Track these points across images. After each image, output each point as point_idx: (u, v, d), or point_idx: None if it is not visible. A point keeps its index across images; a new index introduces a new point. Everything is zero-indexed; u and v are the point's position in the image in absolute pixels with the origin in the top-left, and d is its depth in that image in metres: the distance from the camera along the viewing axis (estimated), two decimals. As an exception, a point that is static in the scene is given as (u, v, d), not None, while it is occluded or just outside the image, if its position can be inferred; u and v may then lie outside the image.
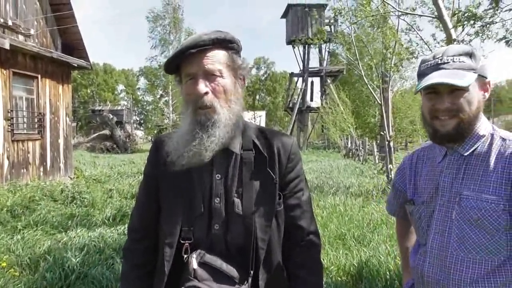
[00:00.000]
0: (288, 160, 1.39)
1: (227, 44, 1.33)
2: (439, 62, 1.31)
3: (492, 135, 1.34)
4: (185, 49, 1.27)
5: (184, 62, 1.30)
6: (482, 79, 1.32)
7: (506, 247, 1.26)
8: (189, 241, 1.32)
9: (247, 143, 1.37)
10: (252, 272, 1.31)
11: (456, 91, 1.27)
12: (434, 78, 1.27)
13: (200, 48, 1.27)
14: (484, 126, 1.35)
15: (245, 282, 1.30)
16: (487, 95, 1.35)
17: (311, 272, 1.42)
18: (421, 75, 1.34)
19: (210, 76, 1.28)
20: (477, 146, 1.33)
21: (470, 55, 1.30)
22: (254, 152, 1.36)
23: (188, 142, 1.29)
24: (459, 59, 1.29)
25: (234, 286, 1.28)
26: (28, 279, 3.98)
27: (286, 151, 1.39)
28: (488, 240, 1.26)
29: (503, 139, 1.31)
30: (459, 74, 1.26)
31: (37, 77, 10.94)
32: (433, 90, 1.31)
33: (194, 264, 1.26)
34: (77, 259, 4.25)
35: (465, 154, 1.34)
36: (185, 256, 1.30)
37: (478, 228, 1.27)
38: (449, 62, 1.29)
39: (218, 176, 1.34)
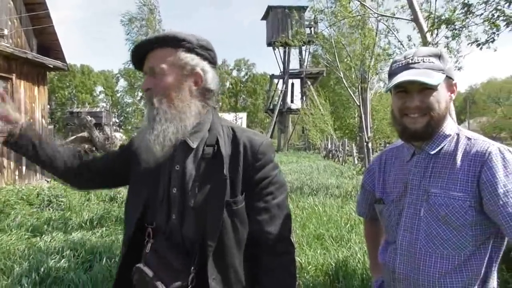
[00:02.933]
0: (254, 160, 1.37)
1: (175, 42, 1.36)
2: (410, 62, 1.35)
3: (457, 134, 1.38)
4: (135, 49, 1.40)
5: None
6: (449, 80, 1.36)
7: (472, 242, 1.30)
8: (151, 226, 1.37)
9: (211, 139, 1.38)
10: (192, 268, 1.29)
11: (426, 90, 1.31)
12: (404, 76, 1.31)
13: (144, 47, 1.38)
14: (450, 126, 1.39)
15: (186, 277, 1.28)
16: (453, 96, 1.40)
17: (277, 282, 1.37)
18: (392, 74, 1.38)
19: (154, 73, 1.36)
20: (444, 145, 1.37)
21: (439, 56, 1.35)
22: (216, 148, 1.37)
23: (141, 138, 1.40)
24: (428, 59, 1.33)
25: (176, 277, 1.28)
26: (2, 284, 3.90)
27: (253, 150, 1.37)
28: (454, 235, 1.30)
29: (469, 138, 1.36)
30: (429, 73, 1.30)
31: (11, 78, 10.70)
32: (403, 89, 1.35)
33: (148, 248, 1.34)
34: (53, 263, 4.18)
35: (432, 152, 1.38)
36: (146, 239, 1.37)
37: (445, 224, 1.31)
38: (419, 62, 1.33)
39: (177, 167, 1.38)
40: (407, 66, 1.35)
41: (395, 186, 1.47)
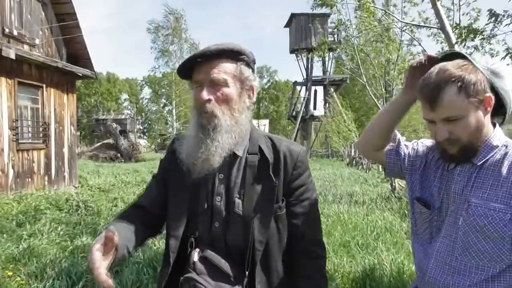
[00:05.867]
0: (294, 168, 1.43)
1: (236, 55, 1.39)
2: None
3: (506, 146, 1.35)
4: (193, 58, 1.37)
5: (194, 70, 1.39)
6: (478, 99, 1.29)
7: (509, 256, 1.28)
8: (193, 236, 1.39)
9: (253, 147, 1.43)
10: (247, 272, 1.35)
11: (451, 120, 1.28)
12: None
13: (206, 57, 1.35)
14: (498, 137, 1.36)
15: (241, 282, 1.34)
16: (490, 108, 1.33)
17: (313, 285, 1.43)
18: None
19: (215, 84, 1.36)
20: (490, 157, 1.35)
21: None
22: (259, 156, 1.41)
23: (195, 146, 1.37)
24: None
25: (229, 284, 1.32)
26: (35, 287, 4.01)
27: (292, 159, 1.44)
28: (491, 247, 1.29)
29: None
30: None
31: (42, 87, 11.03)
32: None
33: (195, 257, 1.34)
34: (84, 267, 4.27)
35: (479, 164, 1.35)
36: (189, 249, 1.37)
37: (483, 236, 1.29)
38: None
39: (220, 176, 1.40)
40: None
41: (440, 194, 1.45)
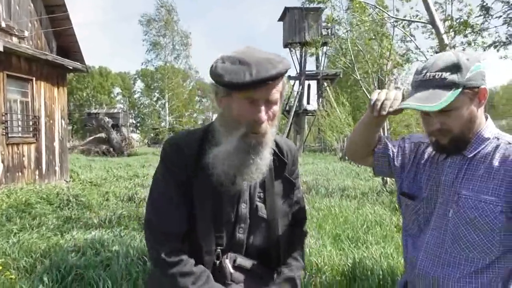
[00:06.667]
0: (293, 163, 1.55)
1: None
2: (422, 79, 1.32)
3: (497, 138, 1.36)
4: (267, 79, 1.22)
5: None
6: (472, 90, 1.29)
7: (499, 248, 1.29)
8: (221, 247, 1.36)
9: None
10: (277, 271, 1.43)
11: (443, 110, 1.27)
12: (411, 101, 1.29)
13: (274, 79, 1.24)
14: (489, 129, 1.37)
15: (272, 279, 1.42)
16: (484, 101, 1.33)
17: (302, 246, 1.60)
18: (411, 88, 1.37)
19: (269, 103, 1.28)
20: (481, 149, 1.35)
21: (456, 68, 1.28)
22: (272, 157, 1.39)
23: (241, 166, 1.29)
24: (441, 75, 1.28)
25: (264, 285, 1.39)
26: (25, 281, 3.99)
27: (292, 156, 1.54)
28: (481, 239, 1.30)
29: (509, 143, 1.33)
30: (436, 95, 1.26)
31: (31, 80, 10.91)
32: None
33: (230, 268, 1.33)
34: (74, 261, 4.26)
35: (469, 155, 1.36)
36: (217, 261, 1.35)
37: (473, 228, 1.30)
38: (431, 79, 1.29)
39: (245, 183, 1.39)
40: (419, 84, 1.32)
41: (428, 185, 1.46)
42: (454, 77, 1.27)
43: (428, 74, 1.31)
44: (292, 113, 38.89)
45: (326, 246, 4.86)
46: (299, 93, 39.39)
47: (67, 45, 12.31)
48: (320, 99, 36.75)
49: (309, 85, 41.29)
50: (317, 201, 8.16)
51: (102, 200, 8.79)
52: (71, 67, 12.16)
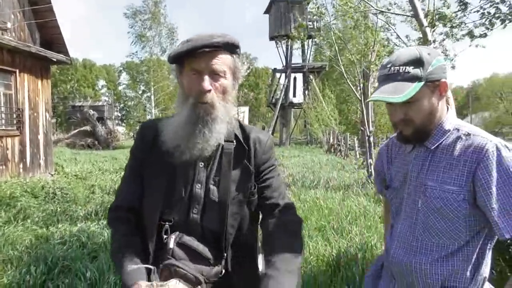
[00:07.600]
0: (263, 153, 1.53)
1: (233, 48, 1.42)
2: (387, 73, 1.39)
3: (457, 129, 1.43)
4: (200, 47, 1.33)
5: (191, 57, 1.37)
6: (433, 83, 1.37)
7: (466, 233, 1.38)
8: (169, 223, 1.41)
9: (229, 135, 1.47)
10: (225, 254, 1.42)
11: (407, 102, 1.35)
12: (377, 93, 1.37)
13: (213, 48, 1.35)
14: (449, 121, 1.44)
15: (219, 263, 1.41)
16: (445, 94, 1.41)
17: (287, 232, 1.44)
18: (378, 81, 1.44)
19: (214, 75, 1.38)
20: (442, 140, 1.43)
21: (418, 62, 1.35)
22: (234, 143, 1.47)
23: (189, 136, 1.37)
24: (405, 69, 1.35)
25: (209, 266, 1.38)
26: (11, 273, 3.99)
27: (261, 146, 1.53)
28: (449, 226, 1.38)
29: (468, 134, 1.40)
30: (400, 88, 1.33)
31: (15, 72, 10.73)
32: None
33: (171, 244, 1.35)
34: (60, 253, 4.26)
35: (432, 147, 1.44)
36: (165, 236, 1.39)
37: (441, 216, 1.38)
38: (395, 72, 1.37)
39: (201, 164, 1.44)
40: (385, 77, 1.39)
41: (397, 175, 1.56)
42: (417, 71, 1.35)
43: (392, 68, 1.38)
44: (279, 106, 38.97)
45: (311, 237, 4.94)
46: (285, 86, 39.46)
47: (50, 37, 12.12)
48: (306, 92, 36.87)
49: (295, 78, 41.42)
50: (303, 193, 8.24)
51: (88, 193, 8.75)
52: (55, 59, 11.98)
